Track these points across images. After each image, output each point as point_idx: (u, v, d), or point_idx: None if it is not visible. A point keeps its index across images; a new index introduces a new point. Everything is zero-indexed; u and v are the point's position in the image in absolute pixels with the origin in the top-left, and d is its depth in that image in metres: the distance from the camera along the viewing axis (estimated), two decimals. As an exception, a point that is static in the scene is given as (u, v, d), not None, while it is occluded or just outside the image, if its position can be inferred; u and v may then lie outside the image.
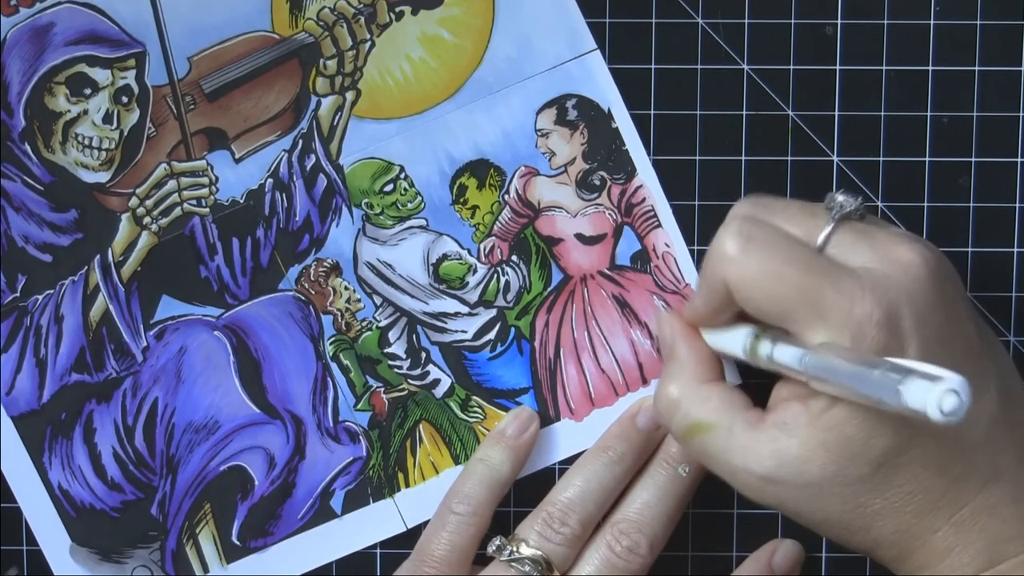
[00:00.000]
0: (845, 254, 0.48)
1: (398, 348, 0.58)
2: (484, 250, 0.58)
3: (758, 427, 0.49)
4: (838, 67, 0.57)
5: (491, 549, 0.55)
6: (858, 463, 0.47)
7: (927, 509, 0.48)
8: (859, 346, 0.45)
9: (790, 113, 0.57)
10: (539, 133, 0.57)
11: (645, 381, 0.58)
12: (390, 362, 0.58)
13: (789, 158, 0.57)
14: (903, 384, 0.41)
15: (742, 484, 0.50)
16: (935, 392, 0.40)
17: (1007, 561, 0.48)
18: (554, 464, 0.58)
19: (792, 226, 0.49)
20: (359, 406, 0.59)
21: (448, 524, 0.55)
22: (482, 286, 0.58)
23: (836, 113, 0.57)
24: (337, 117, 0.57)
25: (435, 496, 0.57)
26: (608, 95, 0.57)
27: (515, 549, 0.54)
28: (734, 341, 0.51)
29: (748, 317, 0.50)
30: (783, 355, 0.48)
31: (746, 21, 0.56)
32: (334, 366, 0.58)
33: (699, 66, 0.57)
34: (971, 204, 0.57)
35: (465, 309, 0.58)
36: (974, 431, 0.47)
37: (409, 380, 0.59)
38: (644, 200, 0.57)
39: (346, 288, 0.58)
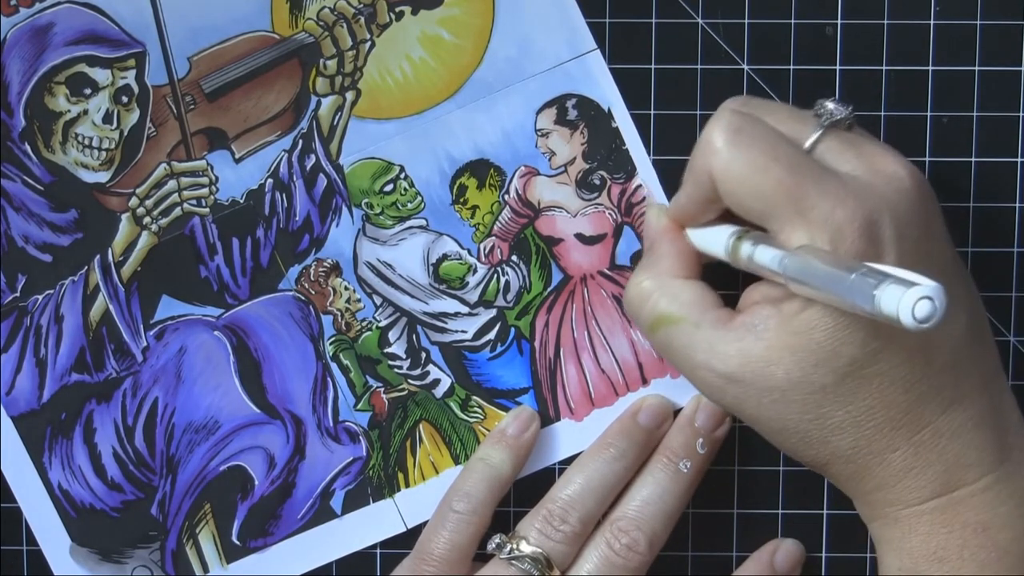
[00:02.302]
0: (831, 160, 0.48)
1: (398, 348, 0.58)
2: (484, 250, 0.58)
3: (726, 326, 0.48)
4: (838, 67, 0.56)
5: (491, 547, 0.55)
6: (823, 371, 0.46)
7: (888, 426, 0.47)
8: (837, 250, 0.45)
9: (790, 113, 0.57)
10: (539, 133, 0.57)
11: (645, 381, 0.58)
12: (390, 362, 0.58)
13: (789, 158, 0.57)
14: (878, 289, 0.40)
15: (703, 381, 0.49)
16: (909, 297, 0.39)
17: (963, 488, 0.48)
18: (554, 464, 0.58)
19: (780, 128, 0.48)
20: (359, 406, 0.59)
21: (448, 522, 0.55)
22: (482, 286, 0.58)
23: (836, 113, 0.57)
24: (337, 117, 0.57)
25: (435, 496, 0.57)
26: (608, 95, 0.57)
27: (515, 547, 0.54)
28: (716, 240, 0.50)
29: (733, 219, 0.49)
30: (763, 256, 0.47)
31: (746, 21, 0.56)
32: (334, 366, 0.58)
33: (699, 66, 0.57)
34: (971, 204, 0.57)
35: (465, 309, 0.58)
36: (941, 351, 0.47)
37: (409, 380, 0.59)
38: (644, 200, 0.57)
39: (346, 288, 0.58)
